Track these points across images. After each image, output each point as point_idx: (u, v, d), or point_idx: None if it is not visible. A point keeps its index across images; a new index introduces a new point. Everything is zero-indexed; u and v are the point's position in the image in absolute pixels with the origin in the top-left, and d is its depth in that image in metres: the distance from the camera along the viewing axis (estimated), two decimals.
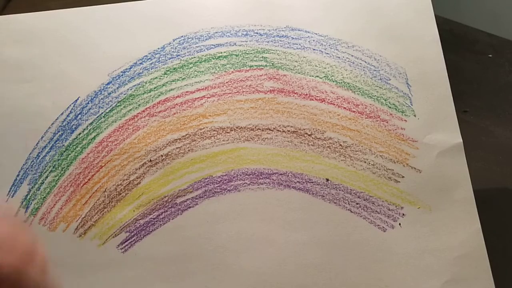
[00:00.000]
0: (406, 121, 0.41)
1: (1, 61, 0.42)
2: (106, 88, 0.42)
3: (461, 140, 0.41)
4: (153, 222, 0.40)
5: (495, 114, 0.59)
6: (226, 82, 0.42)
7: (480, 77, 0.65)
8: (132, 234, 0.40)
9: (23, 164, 0.41)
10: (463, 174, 0.40)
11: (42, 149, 0.41)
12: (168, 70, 0.42)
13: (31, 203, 0.40)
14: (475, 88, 0.63)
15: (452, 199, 0.40)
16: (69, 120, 0.41)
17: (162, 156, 0.41)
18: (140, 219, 0.40)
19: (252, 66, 0.42)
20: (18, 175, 0.41)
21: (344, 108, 0.42)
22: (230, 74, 0.42)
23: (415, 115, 0.41)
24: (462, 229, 0.40)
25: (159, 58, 0.42)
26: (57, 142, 0.41)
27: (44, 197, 0.40)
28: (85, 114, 0.42)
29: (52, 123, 0.41)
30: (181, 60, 0.42)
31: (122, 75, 0.42)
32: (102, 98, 0.42)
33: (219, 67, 0.42)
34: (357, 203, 0.41)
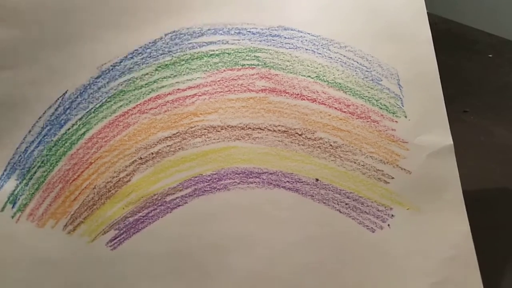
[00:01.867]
0: (397, 122, 0.41)
1: None
2: (96, 82, 0.41)
3: (452, 142, 0.41)
4: (142, 220, 0.40)
5: (495, 114, 0.59)
6: (218, 81, 0.42)
7: (480, 77, 0.65)
8: (122, 231, 0.40)
9: (10, 159, 0.40)
10: (453, 175, 0.41)
11: (30, 143, 0.40)
12: (160, 67, 0.42)
13: (19, 198, 0.40)
14: (475, 88, 0.63)
15: (442, 201, 0.41)
16: (58, 114, 0.41)
17: (152, 154, 0.41)
18: (130, 216, 0.40)
19: (244, 65, 0.42)
20: (5, 170, 0.40)
21: (335, 108, 0.42)
22: (222, 72, 0.42)
23: (406, 116, 0.41)
24: (451, 230, 0.40)
25: (150, 54, 0.42)
26: (45, 137, 0.41)
27: (33, 193, 0.40)
28: (74, 108, 0.41)
29: (40, 117, 0.41)
30: (172, 56, 0.42)
31: (112, 69, 0.41)
32: (91, 93, 0.41)
33: (211, 65, 0.42)
34: (346, 204, 0.41)
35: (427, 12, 0.42)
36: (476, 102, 0.61)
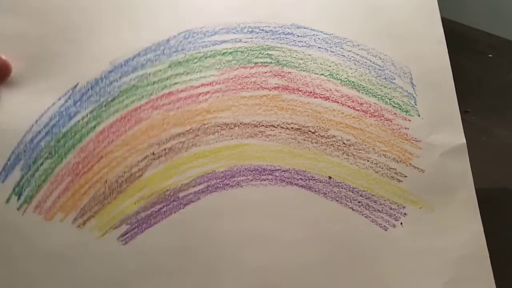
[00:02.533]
0: (410, 120, 0.42)
1: None
2: (108, 76, 0.41)
3: (465, 141, 0.41)
4: (154, 215, 0.39)
5: (495, 114, 0.59)
6: (231, 78, 0.42)
7: (480, 77, 0.65)
8: (133, 226, 0.39)
9: (15, 148, 0.39)
10: (466, 174, 0.41)
11: (37, 133, 0.39)
12: (173, 64, 0.42)
13: (25, 190, 0.38)
14: (475, 88, 0.63)
15: (454, 200, 0.41)
16: (67, 106, 0.40)
17: (165, 149, 0.40)
18: (142, 211, 0.39)
19: (257, 63, 0.42)
20: (9, 159, 0.39)
21: (348, 106, 0.42)
22: (235, 70, 0.42)
23: (419, 115, 0.42)
24: (463, 229, 0.40)
25: (163, 51, 0.42)
26: (53, 128, 0.39)
27: (39, 185, 0.38)
28: (85, 101, 0.40)
29: (49, 108, 0.40)
30: (186, 54, 0.42)
31: (125, 64, 0.41)
32: (103, 87, 0.41)
33: (224, 63, 0.42)
34: (359, 202, 0.40)
35: None
36: (476, 102, 0.61)
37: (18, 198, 0.38)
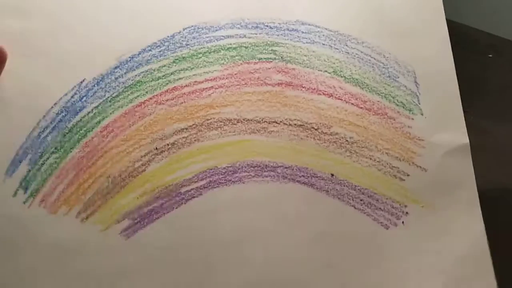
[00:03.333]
0: (413, 119, 0.42)
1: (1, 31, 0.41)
2: (114, 72, 0.41)
3: (468, 141, 0.41)
4: (156, 210, 0.40)
5: (495, 114, 0.59)
6: (235, 74, 0.42)
7: (480, 77, 0.64)
8: (136, 221, 0.39)
9: (23, 143, 0.40)
10: (469, 174, 0.41)
11: (44, 128, 0.40)
12: (177, 59, 0.42)
13: (31, 184, 0.39)
14: (475, 88, 0.62)
15: (457, 200, 0.40)
16: (74, 101, 0.41)
17: (168, 144, 0.41)
18: (144, 206, 0.40)
19: (261, 58, 0.42)
20: (17, 154, 0.39)
21: (352, 104, 0.42)
22: (239, 65, 0.42)
23: (422, 114, 0.42)
24: (465, 229, 0.40)
25: (168, 46, 0.42)
26: (60, 123, 0.40)
27: (45, 179, 0.39)
28: (91, 96, 0.41)
29: (55, 103, 0.40)
30: (190, 49, 0.42)
31: (130, 60, 0.41)
32: (109, 82, 0.41)
33: (228, 58, 0.42)
34: (361, 200, 0.41)
35: None
36: (476, 102, 0.60)
37: (25, 192, 0.39)
